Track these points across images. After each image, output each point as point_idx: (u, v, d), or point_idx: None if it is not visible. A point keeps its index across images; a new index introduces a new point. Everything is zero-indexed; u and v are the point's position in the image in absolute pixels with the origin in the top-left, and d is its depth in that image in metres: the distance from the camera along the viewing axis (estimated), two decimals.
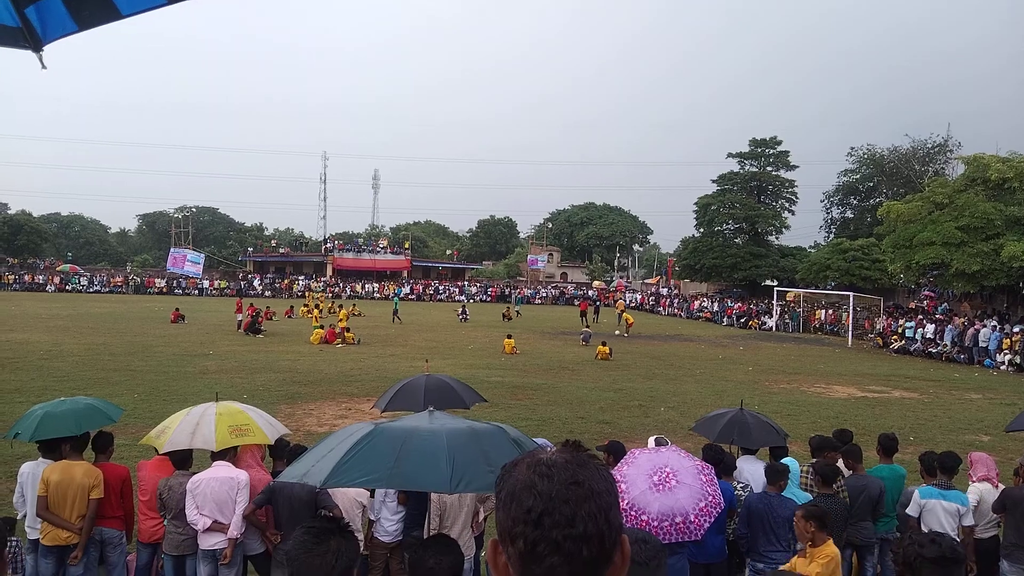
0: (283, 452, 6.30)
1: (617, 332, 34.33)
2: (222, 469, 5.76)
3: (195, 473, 5.87)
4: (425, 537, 5.07)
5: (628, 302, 47.35)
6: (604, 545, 1.17)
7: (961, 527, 6.00)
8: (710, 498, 5.00)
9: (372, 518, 6.18)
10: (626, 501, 4.88)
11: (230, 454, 5.89)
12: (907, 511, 6.07)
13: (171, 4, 2.21)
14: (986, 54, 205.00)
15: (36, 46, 2.27)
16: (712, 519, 4.98)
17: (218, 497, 5.64)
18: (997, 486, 6.47)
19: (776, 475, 5.89)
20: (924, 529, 5.82)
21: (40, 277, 63.28)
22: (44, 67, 2.31)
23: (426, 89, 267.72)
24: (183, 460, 5.99)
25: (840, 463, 6.69)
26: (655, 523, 4.77)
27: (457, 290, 68.74)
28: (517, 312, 45.99)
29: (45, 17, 2.22)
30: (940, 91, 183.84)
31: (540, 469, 1.20)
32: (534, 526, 1.15)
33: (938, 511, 5.97)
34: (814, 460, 6.52)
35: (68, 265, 68.27)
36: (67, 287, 62.29)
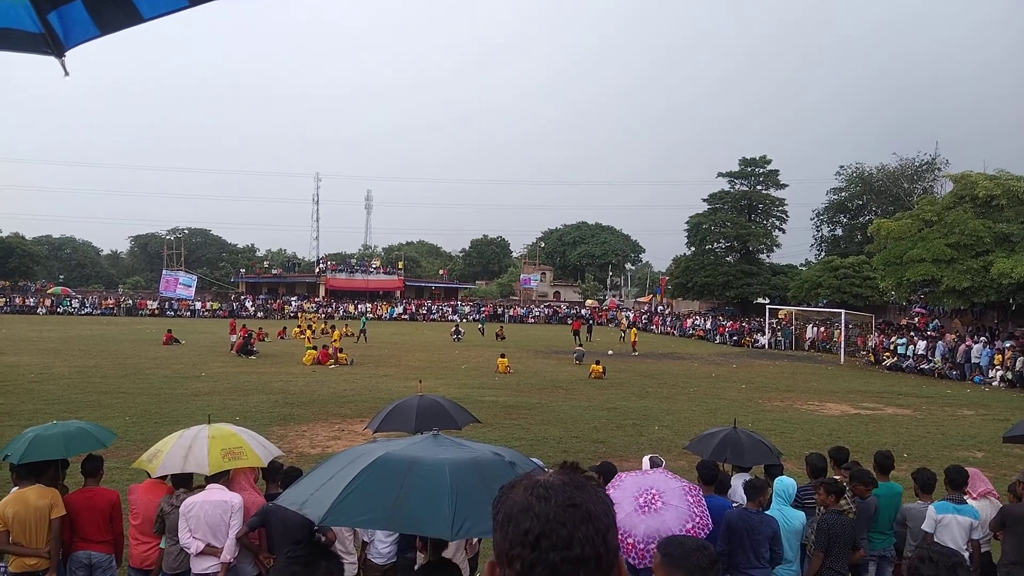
0: (276, 474, 6.27)
1: (611, 352, 34.20)
2: (215, 492, 5.71)
3: (190, 495, 5.83)
4: (418, 560, 5.03)
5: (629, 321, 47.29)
6: (602, 567, 1.17)
7: (971, 540, 6.06)
8: (697, 519, 4.92)
9: (365, 540, 6.13)
10: None
11: (224, 477, 5.85)
12: (923, 527, 6.08)
13: (193, 6, 2.21)
14: (975, 51, 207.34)
15: (59, 52, 2.26)
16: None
17: (211, 520, 5.59)
18: (1000, 500, 6.53)
19: (754, 491, 5.85)
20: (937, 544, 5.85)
21: (31, 300, 62.90)
22: (67, 73, 2.30)
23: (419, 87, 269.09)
24: (184, 479, 5.94)
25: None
26: (641, 545, 4.69)
27: (450, 310, 68.67)
28: (480, 330, 47.82)
29: (67, 22, 2.22)
30: (924, 90, 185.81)
31: (538, 491, 1.21)
32: (531, 548, 1.15)
33: (953, 526, 6.03)
34: (823, 479, 6.51)
35: (59, 287, 67.96)
36: (58, 310, 61.87)
